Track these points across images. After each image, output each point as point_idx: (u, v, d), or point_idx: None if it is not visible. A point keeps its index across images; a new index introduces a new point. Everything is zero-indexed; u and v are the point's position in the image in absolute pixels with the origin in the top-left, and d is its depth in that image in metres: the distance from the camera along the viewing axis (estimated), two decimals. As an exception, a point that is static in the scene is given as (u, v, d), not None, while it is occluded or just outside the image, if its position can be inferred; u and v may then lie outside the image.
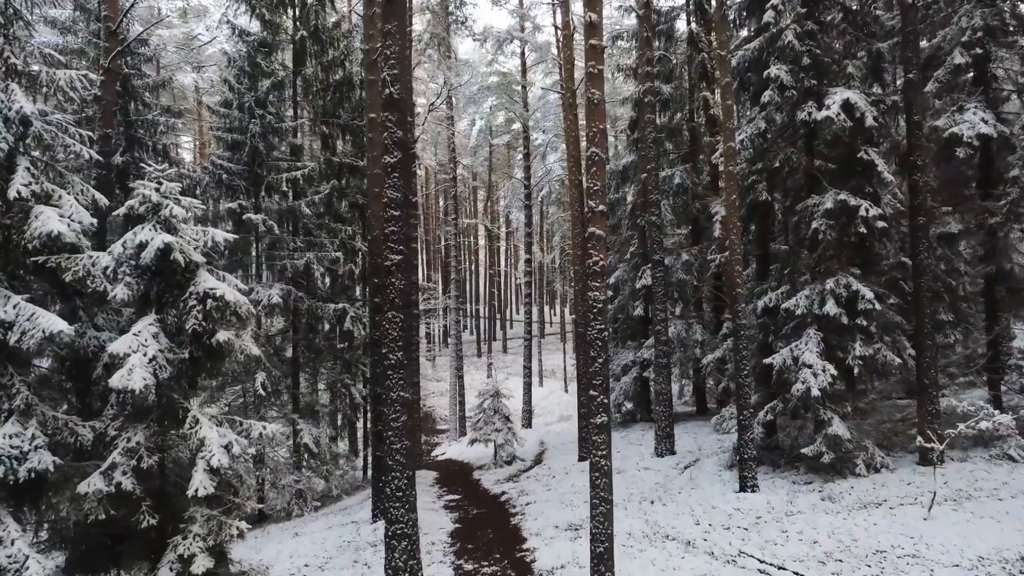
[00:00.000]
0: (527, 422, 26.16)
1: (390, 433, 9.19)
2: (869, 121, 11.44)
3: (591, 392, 8.65)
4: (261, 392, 15.36)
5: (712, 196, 20.81)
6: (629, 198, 21.73)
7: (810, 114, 11.93)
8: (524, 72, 26.76)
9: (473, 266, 47.53)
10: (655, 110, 16.35)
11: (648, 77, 15.93)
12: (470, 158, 37.76)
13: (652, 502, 12.22)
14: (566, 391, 36.57)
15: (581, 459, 16.26)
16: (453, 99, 26.36)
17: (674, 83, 20.90)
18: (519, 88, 26.65)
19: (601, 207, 8.56)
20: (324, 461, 17.00)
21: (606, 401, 8.74)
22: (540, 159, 34.32)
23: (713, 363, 17.37)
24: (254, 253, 17.55)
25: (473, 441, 18.45)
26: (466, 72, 26.63)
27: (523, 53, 26.36)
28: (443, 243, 27.34)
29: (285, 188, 16.89)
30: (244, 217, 16.11)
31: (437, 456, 24.97)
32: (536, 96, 33.40)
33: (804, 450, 11.74)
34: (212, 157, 16.82)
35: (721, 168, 13.44)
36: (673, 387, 20.36)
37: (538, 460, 18.74)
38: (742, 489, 11.67)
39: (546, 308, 54.35)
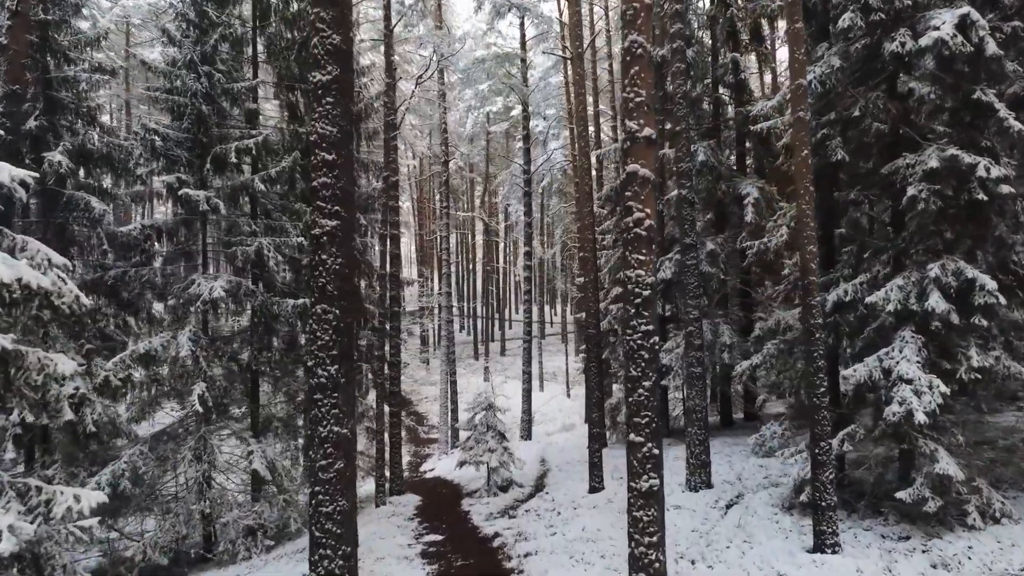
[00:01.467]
0: (526, 433, 22.90)
1: (318, 489, 5.91)
2: (991, 49, 8.19)
3: (635, 437, 5.57)
4: (198, 408, 12.10)
5: (740, 176, 17.60)
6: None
7: (903, 44, 8.67)
8: (523, 45, 23.52)
9: (471, 265, 44.19)
10: (683, 56, 13.10)
11: (678, 16, 12.72)
12: (467, 146, 34.51)
13: (693, 562, 8.98)
14: (568, 396, 33.29)
15: (592, 490, 12.98)
16: (445, 75, 23.11)
17: (694, 47, 17.69)
18: (518, 63, 23.41)
19: (648, 132, 5.44)
20: (283, 488, 13.73)
21: (656, 451, 5.54)
22: (541, 146, 31.06)
23: (747, 371, 14.12)
24: (201, 238, 14.27)
25: (462, 463, 15.18)
26: (460, 48, 23.42)
27: (522, 24, 23.13)
28: (437, 236, 24.09)
29: (233, 159, 13.62)
30: (181, 193, 12.85)
31: (425, 472, 21.71)
32: (536, 78, 30.17)
33: (900, 494, 8.47)
34: (144, 121, 13.53)
35: (786, 118, 10.20)
36: (674, 382, 17.07)
37: (539, 486, 15.47)
38: (817, 548, 8.42)
39: (546, 308, 51.04)
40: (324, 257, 5.97)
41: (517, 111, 32.98)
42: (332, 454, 5.78)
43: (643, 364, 5.80)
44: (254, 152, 13.73)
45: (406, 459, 24.95)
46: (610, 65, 25.47)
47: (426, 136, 35.81)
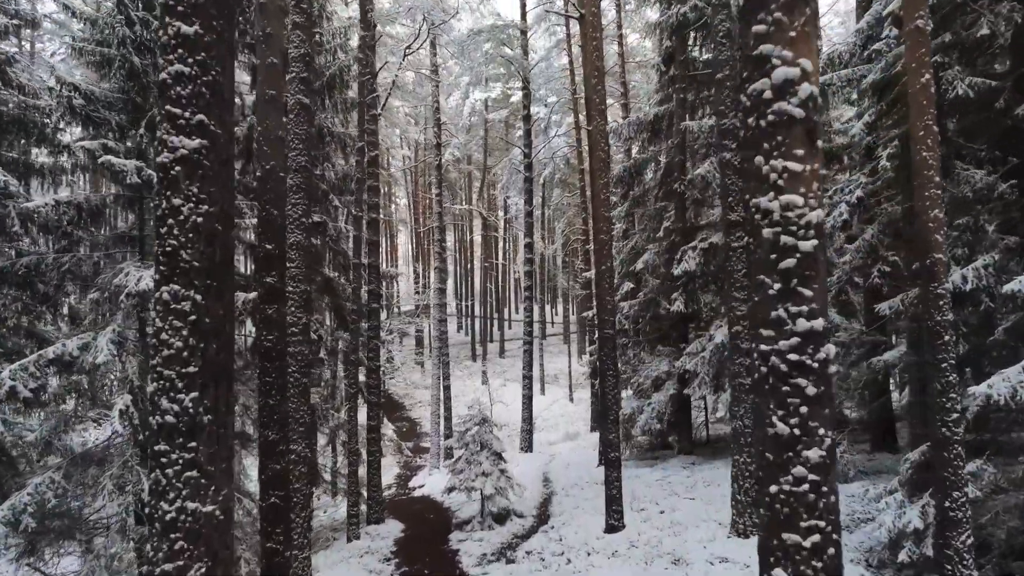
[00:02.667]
0: (527, 444, 20.26)
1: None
2: None
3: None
4: (118, 427, 9.49)
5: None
6: (662, 159, 15.84)
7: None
8: (523, 14, 20.90)
9: (469, 264, 41.52)
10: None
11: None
12: (464, 136, 31.87)
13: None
14: (571, 400, 30.65)
15: (610, 528, 10.29)
16: (437, 48, 20.48)
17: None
18: (517, 35, 20.78)
19: None
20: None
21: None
22: (542, 135, 28.39)
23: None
24: (140, 219, 11.64)
25: (451, 489, 12.52)
26: (455, 15, 20.77)
27: (523, -9, 20.54)
28: (432, 227, 21.46)
29: (173, 122, 10.92)
30: (103, 161, 10.20)
31: (413, 489, 19.06)
32: (537, 59, 27.52)
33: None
34: (59, 74, 10.89)
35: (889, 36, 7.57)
36: (707, 399, 14.41)
37: (543, 516, 12.83)
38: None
39: (547, 307, 48.38)
40: (177, 202, 3.33)
41: (517, 97, 30.37)
42: (185, 552, 3.13)
43: (805, 406, 3.07)
44: (198, 114, 11.04)
45: (395, 471, 22.34)
46: (620, 39, 22.85)
47: (421, 125, 33.25)
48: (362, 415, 14.16)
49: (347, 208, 13.77)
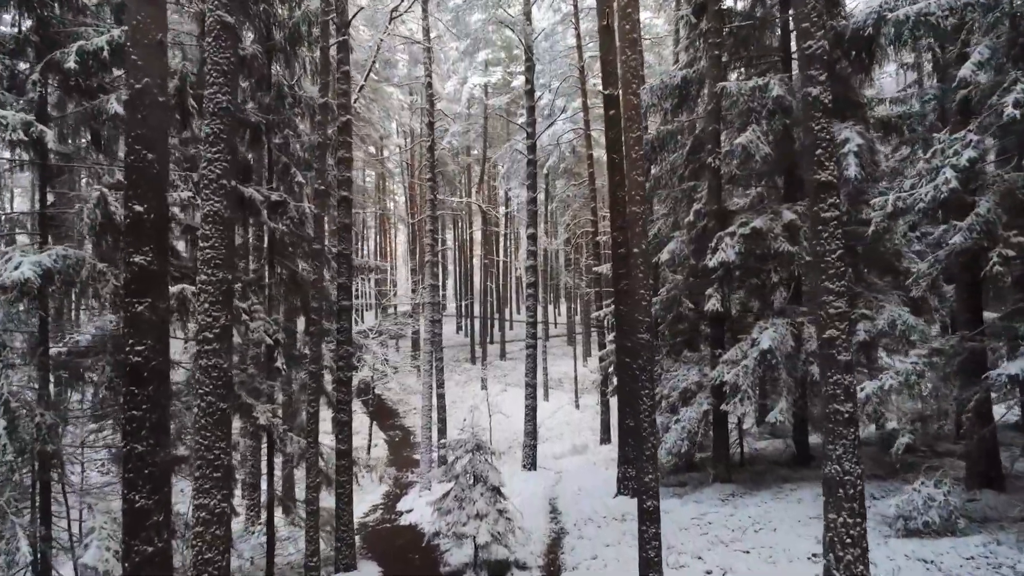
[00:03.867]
0: (530, 461, 17.56)
1: None
2: None
3: None
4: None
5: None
6: (690, 131, 13.14)
7: None
8: (527, -23, 18.23)
9: (468, 264, 38.72)
10: None
11: None
12: (462, 124, 29.18)
13: None
14: (577, 406, 27.97)
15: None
16: (428, 12, 17.80)
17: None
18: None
19: None
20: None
21: None
22: (545, 121, 25.70)
23: (876, 397, 8.78)
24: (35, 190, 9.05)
25: (437, 534, 9.79)
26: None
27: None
28: (424, 216, 18.72)
29: (73, 65, 8.30)
30: (-29, 111, 7.58)
31: (400, 513, 16.41)
32: (542, 36, 24.85)
33: None
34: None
35: None
36: (741, 407, 11.69)
37: (552, 569, 10.10)
38: None
39: (550, 307, 45.62)
40: None
41: (518, 83, 27.68)
42: None
43: None
44: (107, 57, 8.44)
45: (383, 489, 19.68)
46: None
47: (417, 116, 30.58)
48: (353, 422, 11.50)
49: (311, 186, 11.10)
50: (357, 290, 40.59)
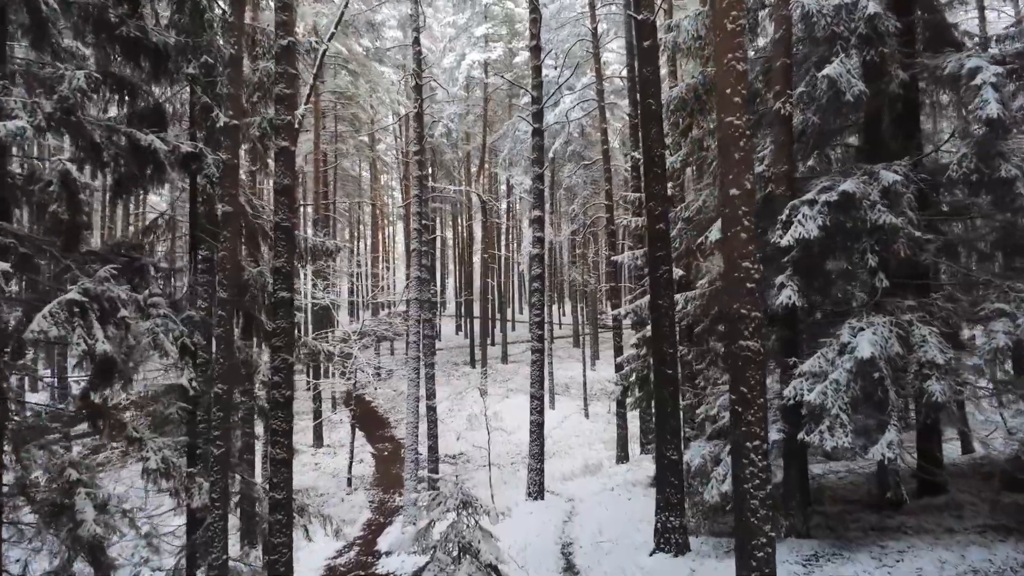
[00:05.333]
0: (536, 489, 14.33)
1: None
2: None
3: None
4: None
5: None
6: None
7: None
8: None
9: (468, 265, 35.43)
10: None
11: None
12: (459, 106, 26.02)
13: None
14: (586, 415, 24.77)
15: None
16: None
17: None
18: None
19: None
20: None
21: None
22: (552, 98, 22.47)
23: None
24: None
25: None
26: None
27: None
28: (410, 195, 15.46)
29: None
30: None
31: (376, 555, 13.31)
32: (549, 15, 21.68)
33: None
34: None
35: None
36: (832, 438, 8.45)
37: None
38: None
39: (554, 307, 42.38)
40: None
41: (521, 58, 24.49)
42: None
43: None
44: None
45: (365, 516, 16.50)
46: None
47: (412, 98, 27.41)
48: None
49: (242, 133, 7.95)
50: (352, 286, 37.46)
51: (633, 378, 14.28)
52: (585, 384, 25.26)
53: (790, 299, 8.28)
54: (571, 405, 26.34)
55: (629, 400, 14.83)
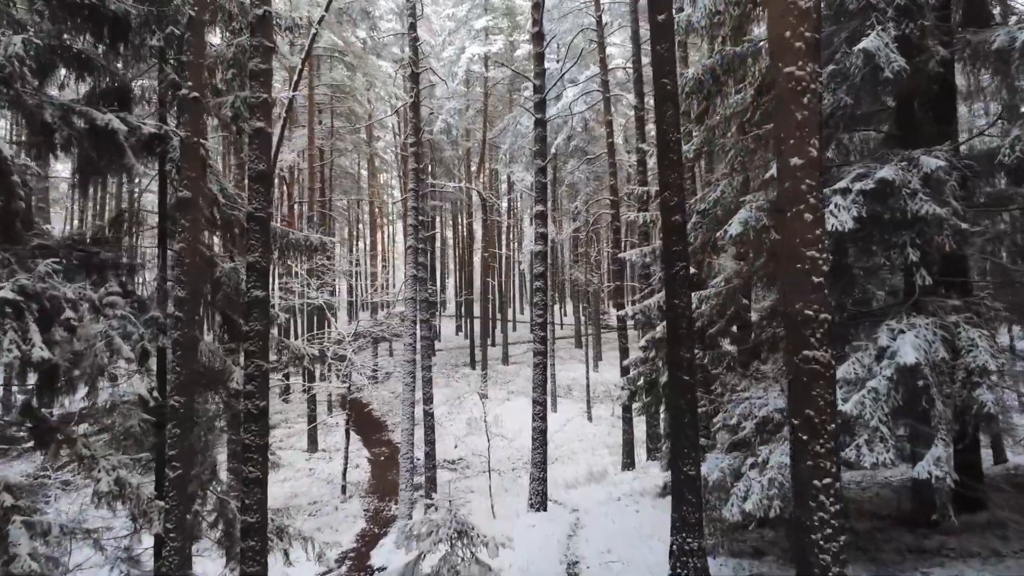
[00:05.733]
0: (538, 499, 13.47)
1: None
2: None
3: None
4: None
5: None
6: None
7: None
8: None
9: (468, 266, 34.56)
10: None
11: None
12: (459, 101, 25.17)
13: None
14: (589, 419, 23.91)
15: None
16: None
17: None
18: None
19: None
20: None
21: None
22: (554, 91, 21.62)
23: None
24: None
25: None
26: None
27: None
28: (409, 189, 14.51)
29: None
30: None
31: (368, 570, 12.36)
32: (551, 4, 20.82)
33: None
34: None
35: None
36: (871, 454, 7.54)
37: None
38: None
39: (555, 307, 41.50)
40: None
41: (523, 51, 23.63)
42: None
43: None
44: None
45: (359, 526, 15.64)
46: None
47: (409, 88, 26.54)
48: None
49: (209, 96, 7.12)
50: (351, 287, 36.59)
51: (641, 382, 13.43)
52: (588, 386, 24.38)
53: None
54: (574, 408, 25.49)
55: (636, 405, 13.98)
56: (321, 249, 8.76)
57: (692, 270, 11.74)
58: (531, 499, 13.50)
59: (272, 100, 7.19)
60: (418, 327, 13.85)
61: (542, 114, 13.52)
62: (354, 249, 39.66)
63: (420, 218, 14.51)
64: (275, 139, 12.65)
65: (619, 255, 14.60)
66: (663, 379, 12.83)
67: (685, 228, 8.13)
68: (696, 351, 10.20)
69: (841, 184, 7.52)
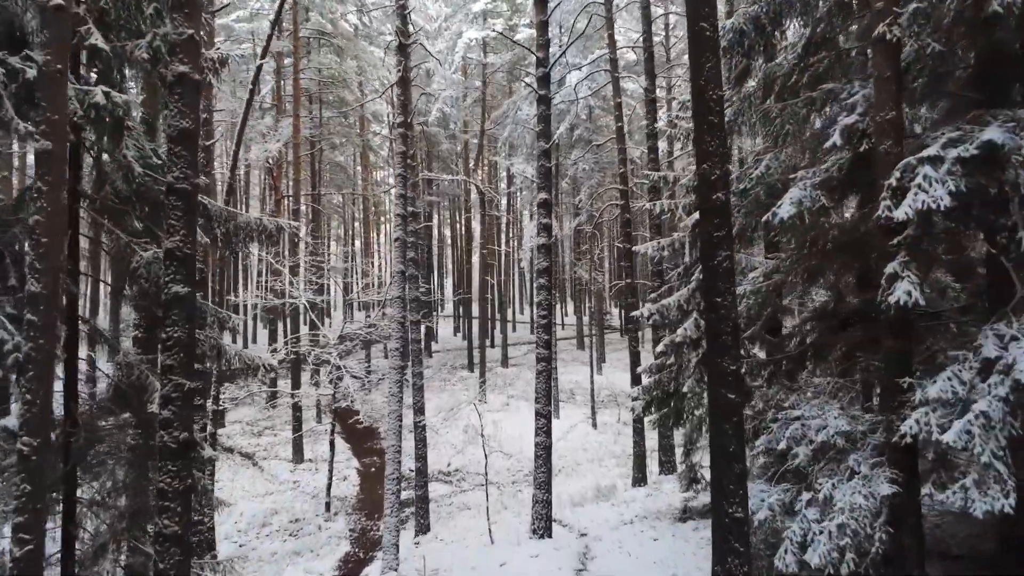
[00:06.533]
0: (542, 524, 11.74)
1: None
2: None
3: None
4: None
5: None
6: None
7: None
8: None
9: (467, 264, 32.85)
10: None
11: None
12: (456, 89, 23.47)
13: None
14: (594, 425, 22.20)
15: None
16: None
17: None
18: None
19: None
20: None
21: None
22: (555, 84, 19.91)
23: None
24: None
25: None
26: None
27: None
28: (396, 171, 12.84)
29: None
30: None
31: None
32: None
33: None
34: None
35: None
36: (982, 497, 5.77)
37: None
38: None
39: (556, 307, 39.78)
40: None
41: (524, 34, 21.94)
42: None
43: None
44: None
45: (342, 550, 13.96)
46: None
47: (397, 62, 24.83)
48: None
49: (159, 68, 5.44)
50: (351, 285, 34.86)
51: (656, 392, 11.76)
52: (593, 391, 22.67)
53: (910, 296, 5.73)
54: (577, 413, 23.80)
55: (651, 417, 12.29)
56: (279, 234, 7.08)
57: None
58: (534, 523, 11.81)
59: (203, 40, 5.47)
60: (407, 329, 12.17)
61: (546, 90, 11.83)
62: (351, 247, 38.01)
63: (409, 208, 12.80)
64: (242, 112, 11.00)
65: (633, 248, 12.90)
66: (684, 388, 11.16)
67: (728, 208, 6.45)
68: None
69: (930, 151, 5.84)
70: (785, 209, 6.86)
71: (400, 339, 11.58)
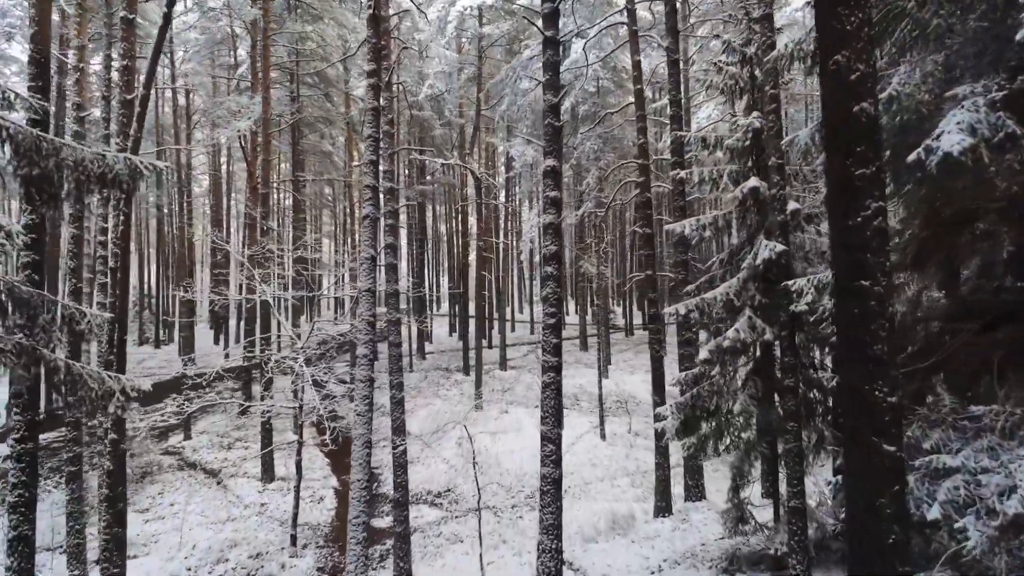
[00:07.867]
0: (552, 569, 8.95)
1: None
2: None
3: None
4: None
5: None
6: None
7: None
8: None
9: (464, 257, 30.07)
10: None
11: None
12: (446, 64, 20.71)
13: None
14: (602, 436, 19.46)
15: None
16: None
17: None
18: None
19: None
20: None
21: None
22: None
23: None
24: None
25: None
26: None
27: None
28: (370, 131, 10.34)
29: None
30: None
31: None
32: None
33: None
34: None
35: None
36: None
37: None
38: None
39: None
40: None
41: (525, 0, 19.12)
42: None
43: None
44: None
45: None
46: None
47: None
48: None
49: None
50: (339, 281, 32.13)
51: (696, 410, 9.06)
52: (601, 397, 19.95)
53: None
54: (583, 422, 21.06)
55: (685, 442, 9.57)
56: (132, 183, 4.41)
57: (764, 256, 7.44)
58: (540, 569, 9.07)
59: None
60: (389, 331, 9.43)
61: (554, 30, 9.12)
62: (345, 244, 35.27)
63: (385, 182, 10.08)
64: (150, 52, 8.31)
65: (668, 226, 10.15)
66: (736, 406, 8.47)
67: (877, 127, 3.74)
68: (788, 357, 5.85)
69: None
70: (951, 140, 4.14)
71: (368, 343, 8.85)
